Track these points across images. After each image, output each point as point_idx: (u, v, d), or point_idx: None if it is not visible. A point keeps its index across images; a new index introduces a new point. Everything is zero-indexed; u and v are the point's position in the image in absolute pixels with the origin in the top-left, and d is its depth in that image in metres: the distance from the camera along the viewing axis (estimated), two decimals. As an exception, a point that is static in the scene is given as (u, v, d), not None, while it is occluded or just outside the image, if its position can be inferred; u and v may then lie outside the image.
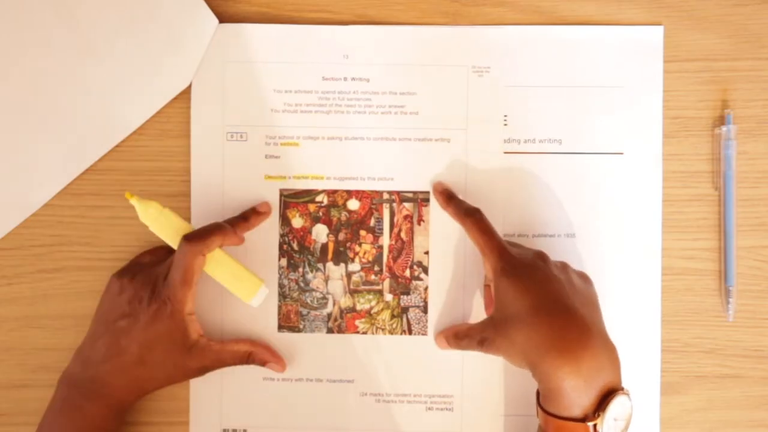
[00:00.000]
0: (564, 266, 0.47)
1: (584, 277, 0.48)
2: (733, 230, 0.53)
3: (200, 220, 0.52)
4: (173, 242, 0.48)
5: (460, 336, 0.49)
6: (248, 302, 0.49)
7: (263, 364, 0.51)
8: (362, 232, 0.53)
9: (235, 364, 0.50)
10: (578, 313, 0.43)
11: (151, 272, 0.49)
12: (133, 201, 0.48)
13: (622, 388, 0.42)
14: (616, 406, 0.41)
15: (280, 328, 0.53)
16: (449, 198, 0.51)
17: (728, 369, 0.53)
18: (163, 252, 0.52)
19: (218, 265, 0.49)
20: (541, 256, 0.47)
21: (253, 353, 0.51)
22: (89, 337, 0.49)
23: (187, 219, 0.53)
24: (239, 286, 0.49)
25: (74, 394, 0.47)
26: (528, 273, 0.45)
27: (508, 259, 0.46)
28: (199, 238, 0.47)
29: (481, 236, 0.48)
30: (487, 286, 0.52)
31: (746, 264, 0.53)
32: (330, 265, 0.53)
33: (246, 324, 0.53)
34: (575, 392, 0.41)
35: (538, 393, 0.44)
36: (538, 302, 0.43)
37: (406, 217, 0.53)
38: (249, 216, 0.51)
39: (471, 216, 0.49)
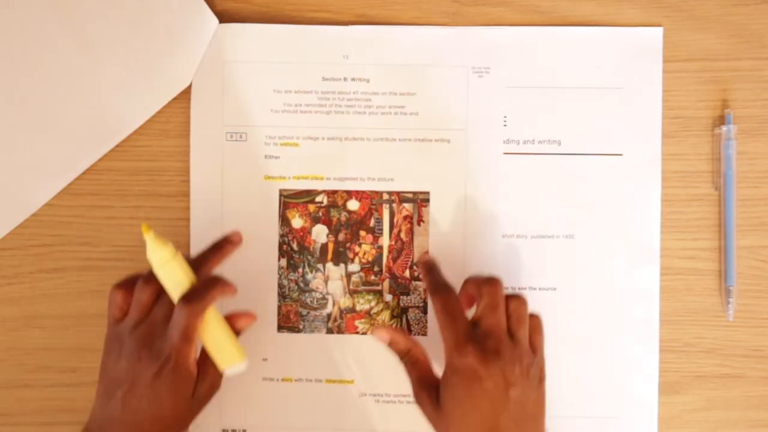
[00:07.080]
0: (512, 367, 0.43)
1: (534, 377, 0.45)
2: (733, 230, 0.52)
3: (200, 220, 0.52)
4: (174, 294, 0.45)
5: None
6: (221, 369, 0.47)
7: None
8: (362, 233, 0.53)
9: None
10: None
11: (147, 327, 0.46)
12: (148, 237, 0.44)
13: None
14: None
15: (280, 328, 0.53)
16: (429, 270, 0.49)
17: (728, 369, 0.53)
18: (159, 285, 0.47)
19: (205, 327, 0.46)
20: (488, 359, 0.43)
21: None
22: (99, 398, 0.46)
23: (186, 219, 0.53)
24: (218, 355, 0.46)
25: None
26: (466, 389, 0.43)
27: (455, 363, 0.44)
28: (197, 298, 0.45)
29: (443, 317, 0.45)
30: (463, 288, 0.49)
31: (746, 264, 0.53)
32: (330, 265, 0.53)
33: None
34: None
35: None
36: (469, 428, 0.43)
37: (405, 217, 0.53)
38: (223, 245, 0.49)
39: (440, 294, 0.46)
